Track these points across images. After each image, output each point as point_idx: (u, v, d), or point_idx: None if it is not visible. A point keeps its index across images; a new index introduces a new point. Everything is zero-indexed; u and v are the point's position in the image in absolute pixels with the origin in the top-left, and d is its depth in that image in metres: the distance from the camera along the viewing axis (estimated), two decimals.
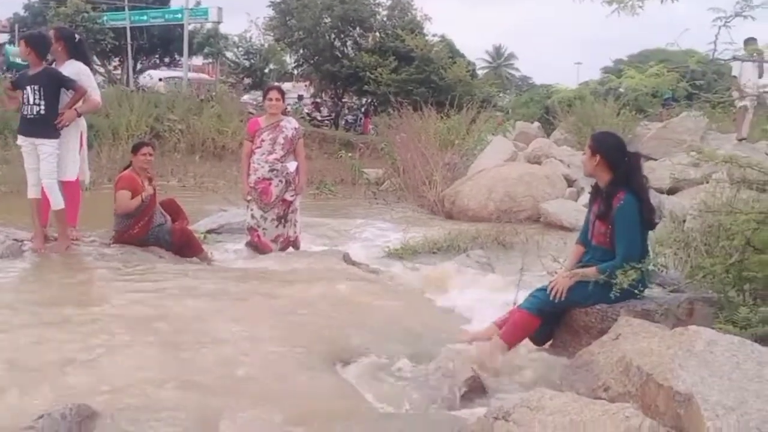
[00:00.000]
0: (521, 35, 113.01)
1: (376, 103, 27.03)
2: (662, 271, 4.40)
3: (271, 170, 6.44)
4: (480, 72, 42.61)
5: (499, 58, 60.16)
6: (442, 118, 13.58)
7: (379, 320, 4.33)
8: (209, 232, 7.56)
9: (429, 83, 24.05)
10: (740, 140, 11.60)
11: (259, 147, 6.47)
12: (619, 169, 3.85)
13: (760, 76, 10.05)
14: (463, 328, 4.37)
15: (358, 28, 27.65)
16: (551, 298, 3.80)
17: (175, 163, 15.61)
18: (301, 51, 28.72)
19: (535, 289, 4.02)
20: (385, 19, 28.09)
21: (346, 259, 6.19)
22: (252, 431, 2.77)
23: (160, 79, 30.98)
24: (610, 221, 3.80)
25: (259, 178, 6.45)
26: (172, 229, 6.19)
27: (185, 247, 6.22)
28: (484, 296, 5.17)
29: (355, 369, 3.58)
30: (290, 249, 6.63)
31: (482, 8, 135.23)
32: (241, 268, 6.03)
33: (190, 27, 29.23)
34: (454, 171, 11.87)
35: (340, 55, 27.45)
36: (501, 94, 34.45)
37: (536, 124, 21.22)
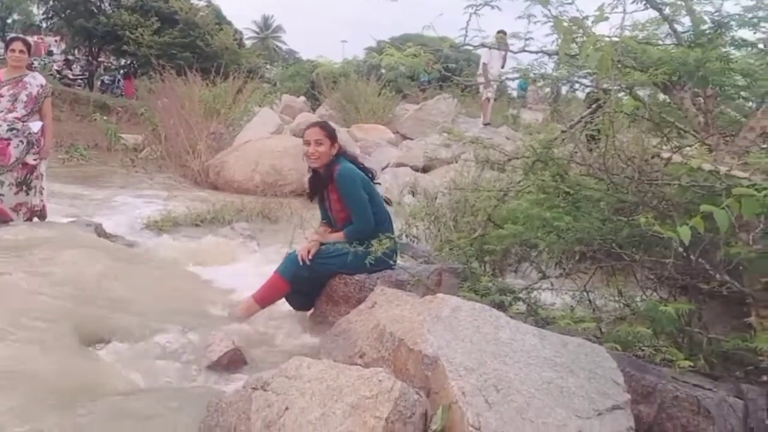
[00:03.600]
0: (289, 8, 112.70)
1: (136, 65, 25.39)
2: (414, 242, 4.70)
3: (11, 129, 5.79)
4: (247, 42, 41.91)
5: (267, 29, 59.45)
6: (207, 85, 13.14)
7: (136, 296, 4.11)
8: None
9: (194, 48, 23.09)
10: (485, 125, 12.74)
11: None
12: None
13: (503, 66, 11.08)
14: (224, 301, 4.32)
15: None
16: (299, 262, 3.94)
17: None
18: (51, 2, 26.05)
19: (292, 252, 4.11)
20: None
21: (99, 231, 5.80)
22: None
23: None
24: (339, 194, 4.00)
25: None
26: None
27: None
28: (247, 269, 5.15)
29: (110, 347, 3.38)
30: (35, 219, 6.03)
31: None
32: None
33: None
34: (220, 141, 11.62)
35: (96, 11, 25.26)
36: (268, 66, 34.21)
37: (302, 98, 21.51)
